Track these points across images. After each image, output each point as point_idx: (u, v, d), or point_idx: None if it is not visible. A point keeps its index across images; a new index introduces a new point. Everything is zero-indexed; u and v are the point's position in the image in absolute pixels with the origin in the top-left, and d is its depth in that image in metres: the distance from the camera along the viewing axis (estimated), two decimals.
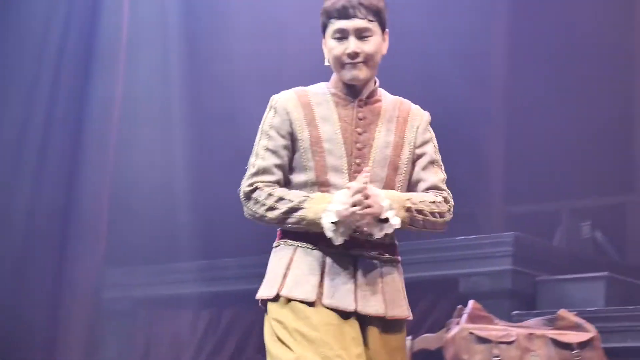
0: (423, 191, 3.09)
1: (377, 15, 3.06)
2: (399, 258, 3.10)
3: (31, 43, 6.50)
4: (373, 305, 3.00)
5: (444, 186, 3.12)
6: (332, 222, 2.92)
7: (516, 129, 7.55)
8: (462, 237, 5.78)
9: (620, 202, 7.32)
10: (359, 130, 3.05)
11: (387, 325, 3.05)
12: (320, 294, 2.96)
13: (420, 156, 3.11)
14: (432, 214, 3.03)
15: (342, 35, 3.04)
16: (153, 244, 6.95)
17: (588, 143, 7.20)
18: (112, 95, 6.57)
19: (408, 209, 2.98)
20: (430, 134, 3.16)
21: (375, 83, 3.13)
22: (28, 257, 6.35)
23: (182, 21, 7.14)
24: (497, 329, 4.57)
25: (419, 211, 3.01)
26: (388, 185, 3.04)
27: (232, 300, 6.58)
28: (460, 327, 4.53)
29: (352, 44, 3.03)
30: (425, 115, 3.17)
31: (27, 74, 6.48)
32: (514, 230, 5.89)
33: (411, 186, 3.11)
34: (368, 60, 3.05)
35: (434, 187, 3.10)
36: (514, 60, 7.64)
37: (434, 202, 3.05)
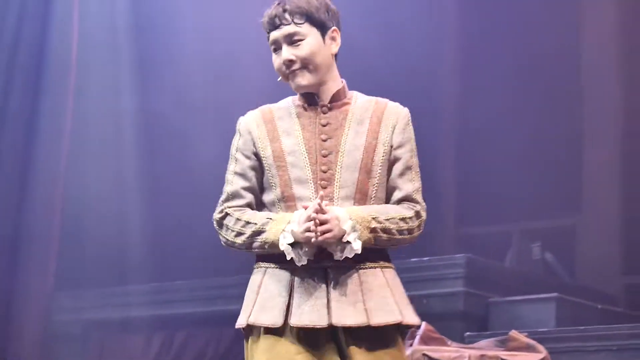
0: (396, 202, 2.97)
1: (307, 16, 2.99)
2: (388, 263, 2.95)
3: None
4: (351, 316, 2.86)
5: (419, 197, 2.99)
6: (290, 244, 2.84)
7: (467, 150, 7.60)
8: (415, 259, 5.80)
9: (569, 223, 7.39)
10: (323, 137, 2.98)
11: (377, 337, 2.89)
12: (287, 315, 2.85)
13: (397, 160, 3.00)
14: (400, 231, 2.92)
15: (276, 46, 3.01)
16: (104, 266, 6.91)
17: (537, 164, 7.26)
18: (63, 114, 6.52)
19: (373, 230, 2.87)
20: (409, 133, 3.04)
21: (342, 85, 3.05)
22: None
23: (131, 35, 7.10)
24: (449, 351, 4.58)
25: (385, 230, 2.89)
26: (361, 190, 2.94)
27: (184, 322, 6.55)
28: (413, 348, 4.54)
29: (284, 52, 2.98)
30: (403, 113, 3.06)
31: None
32: (465, 252, 5.93)
33: (388, 191, 2.99)
34: (306, 64, 2.98)
35: (407, 199, 2.97)
36: (465, 80, 7.69)
37: (403, 219, 2.94)
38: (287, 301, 2.87)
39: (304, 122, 3.00)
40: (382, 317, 2.87)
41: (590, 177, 7.31)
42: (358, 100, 3.05)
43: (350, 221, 2.86)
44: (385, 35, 7.13)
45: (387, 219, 2.91)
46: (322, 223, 2.82)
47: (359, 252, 2.85)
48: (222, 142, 6.63)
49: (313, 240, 2.81)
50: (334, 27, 3.02)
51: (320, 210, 2.82)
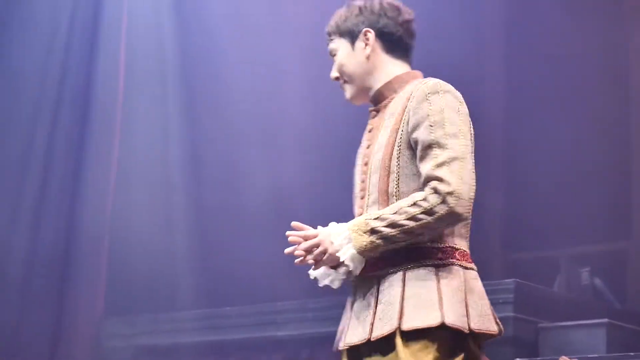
0: (421, 188, 2.81)
1: (336, 28, 3.05)
2: (415, 263, 2.82)
3: (29, 89, 6.53)
4: (356, 334, 2.83)
5: (441, 171, 2.77)
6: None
7: (514, 175, 7.57)
8: None
9: (619, 248, 7.33)
10: (367, 144, 2.99)
11: (380, 350, 2.80)
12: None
13: (416, 144, 2.84)
14: (413, 218, 2.76)
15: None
16: (153, 292, 6.94)
17: (586, 188, 7.22)
18: (110, 143, 6.58)
19: (373, 231, 2.78)
20: (425, 108, 2.85)
21: (384, 82, 3.00)
22: (26, 308, 6.35)
23: (180, 70, 7.14)
24: None
25: (392, 224, 2.77)
26: (381, 190, 2.87)
27: (234, 348, 6.55)
28: None
29: (332, 71, 3.09)
30: (421, 88, 2.89)
31: (25, 119, 6.50)
32: (514, 277, 5.90)
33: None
34: (344, 77, 3.04)
35: (427, 180, 2.79)
36: (511, 103, 7.67)
37: (414, 204, 2.77)
38: (344, 323, 2.94)
39: (364, 135, 3.04)
40: (379, 328, 2.79)
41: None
42: (403, 90, 2.99)
43: (347, 231, 2.81)
44: (429, 59, 7.11)
45: (394, 213, 2.79)
46: (310, 245, 2.81)
47: (348, 261, 2.80)
48: (270, 170, 6.68)
49: (297, 262, 2.84)
50: (364, 29, 3.02)
51: (303, 236, 2.83)
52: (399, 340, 2.76)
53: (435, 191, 2.76)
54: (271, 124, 6.91)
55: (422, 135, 2.82)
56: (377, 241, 2.78)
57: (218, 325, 6.66)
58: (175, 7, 7.14)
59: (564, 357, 4.72)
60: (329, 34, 3.06)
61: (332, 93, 6.34)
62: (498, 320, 2.88)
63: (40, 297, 6.39)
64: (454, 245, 2.85)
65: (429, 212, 2.76)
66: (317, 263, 2.84)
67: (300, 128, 6.62)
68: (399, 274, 2.81)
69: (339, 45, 3.05)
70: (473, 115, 2.96)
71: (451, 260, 2.82)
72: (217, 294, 6.90)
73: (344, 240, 2.80)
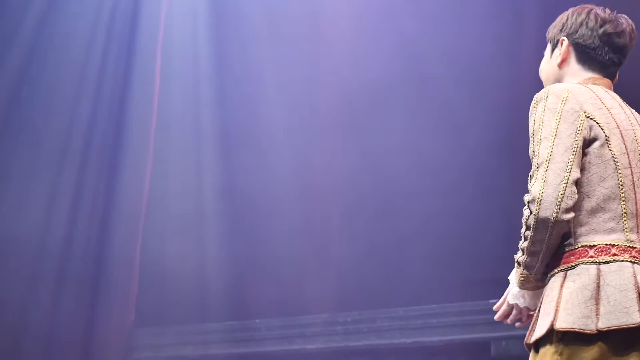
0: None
1: (548, 34, 3.14)
2: (552, 271, 2.83)
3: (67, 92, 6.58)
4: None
5: (531, 183, 2.81)
6: None
7: None
8: (493, 300, 5.75)
9: None
10: None
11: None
12: None
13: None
14: (524, 237, 2.82)
15: None
16: (183, 304, 6.95)
17: None
18: (144, 163, 6.61)
19: (518, 263, 2.88)
20: (531, 120, 2.88)
21: None
22: (57, 319, 6.37)
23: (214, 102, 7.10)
24: None
25: (522, 250, 2.85)
26: None
27: None
28: None
29: None
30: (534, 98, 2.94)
31: (61, 121, 6.54)
32: None
33: None
34: (542, 79, 3.14)
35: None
36: None
37: (523, 222, 2.83)
38: None
39: None
40: (531, 334, 2.85)
41: None
42: None
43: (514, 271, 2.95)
44: (462, 72, 7.10)
45: (521, 237, 2.87)
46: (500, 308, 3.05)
47: (514, 300, 2.95)
48: (302, 193, 6.62)
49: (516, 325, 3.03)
50: (561, 38, 3.07)
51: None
52: (531, 353, 2.83)
53: (525, 204, 2.82)
54: (305, 157, 6.82)
55: (529, 150, 2.88)
56: (524, 272, 2.86)
57: (247, 337, 6.66)
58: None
59: None
60: (546, 38, 3.15)
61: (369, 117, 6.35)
62: None
63: (71, 306, 6.42)
64: (588, 243, 2.80)
65: (527, 227, 2.81)
66: (506, 314, 3.01)
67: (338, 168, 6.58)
68: (544, 288, 2.86)
69: (546, 51, 3.14)
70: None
71: (582, 259, 2.79)
72: (246, 306, 6.90)
73: (512, 282, 2.93)
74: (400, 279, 6.04)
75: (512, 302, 2.96)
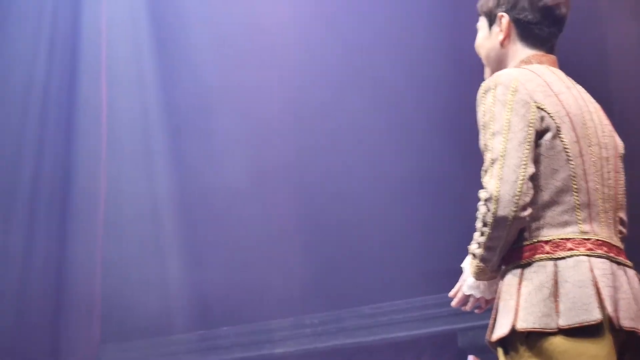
0: None
1: (480, 7, 3.02)
2: (508, 265, 2.79)
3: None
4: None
5: (483, 179, 2.76)
6: None
7: None
8: None
9: None
10: None
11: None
12: None
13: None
14: (480, 232, 2.77)
15: None
16: (148, 316, 6.91)
17: None
18: (97, 167, 6.58)
19: (473, 255, 2.83)
20: (479, 112, 2.82)
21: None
22: (21, 336, 6.34)
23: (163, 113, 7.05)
24: None
25: (477, 244, 2.81)
26: None
27: None
28: None
29: None
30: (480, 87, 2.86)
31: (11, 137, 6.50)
32: None
33: None
34: (480, 56, 3.04)
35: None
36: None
37: (478, 217, 2.78)
38: None
39: None
40: (488, 336, 2.82)
41: None
42: None
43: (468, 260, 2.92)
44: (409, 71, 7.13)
45: (476, 231, 2.81)
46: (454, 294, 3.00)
47: (470, 291, 2.92)
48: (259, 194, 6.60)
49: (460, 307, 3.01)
50: (500, 13, 2.96)
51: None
52: (499, 351, 2.79)
53: (481, 201, 2.75)
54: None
55: (480, 142, 2.81)
56: (480, 264, 2.80)
57: (215, 346, 6.65)
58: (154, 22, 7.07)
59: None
60: (478, 11, 3.03)
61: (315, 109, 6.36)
62: (607, 304, 2.72)
63: (35, 323, 6.38)
64: (543, 238, 2.77)
65: (484, 223, 2.75)
66: (462, 302, 2.96)
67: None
68: (500, 283, 2.82)
69: (481, 25, 3.02)
70: None
71: (538, 255, 2.76)
72: (212, 314, 6.88)
73: (466, 271, 2.90)
74: (363, 277, 6.06)
75: (467, 292, 2.92)
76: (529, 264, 2.76)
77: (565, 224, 2.77)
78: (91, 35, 6.65)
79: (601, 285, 2.72)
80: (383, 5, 6.23)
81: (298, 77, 6.48)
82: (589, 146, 2.85)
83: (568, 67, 3.05)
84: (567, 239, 2.76)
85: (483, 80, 2.94)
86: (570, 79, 2.98)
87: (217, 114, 6.75)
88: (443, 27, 5.92)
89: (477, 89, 2.86)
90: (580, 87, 2.99)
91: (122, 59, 6.92)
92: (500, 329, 2.74)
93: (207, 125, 6.80)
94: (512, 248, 2.78)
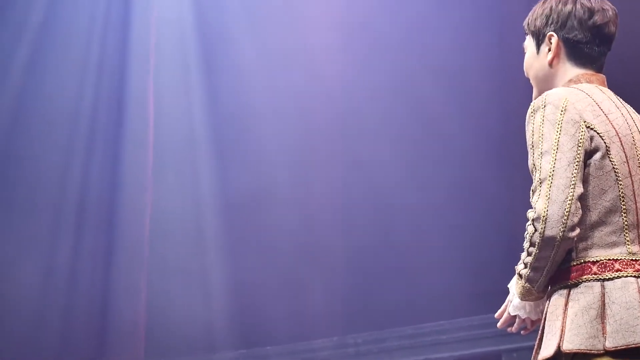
0: None
1: (528, 26, 2.99)
2: (553, 286, 2.78)
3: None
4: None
5: (532, 199, 2.74)
6: None
7: None
8: None
9: None
10: None
11: None
12: None
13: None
14: (528, 252, 2.75)
15: None
16: (191, 334, 6.93)
17: None
18: (144, 182, 6.62)
19: (519, 275, 2.80)
20: (529, 132, 2.80)
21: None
22: (66, 355, 6.38)
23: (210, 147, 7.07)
24: None
25: (524, 264, 2.77)
26: None
27: None
28: None
29: None
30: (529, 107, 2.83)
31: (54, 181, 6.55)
32: None
33: None
34: (529, 76, 3.02)
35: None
36: None
37: (524, 238, 2.77)
38: None
39: None
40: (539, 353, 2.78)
41: None
42: None
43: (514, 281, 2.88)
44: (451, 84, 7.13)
45: (523, 251, 2.78)
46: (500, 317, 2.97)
47: (516, 312, 2.89)
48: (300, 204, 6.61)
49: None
50: (549, 33, 2.94)
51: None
52: None
53: (529, 221, 2.73)
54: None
55: (529, 151, 2.80)
56: (526, 285, 2.78)
57: None
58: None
59: None
60: (524, 30, 3.01)
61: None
62: None
63: (79, 342, 6.42)
64: (591, 259, 2.75)
65: (532, 244, 2.73)
66: (508, 323, 2.94)
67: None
68: (547, 303, 2.80)
69: (528, 44, 2.99)
70: None
71: (585, 276, 2.74)
72: (255, 333, 6.88)
73: (512, 292, 2.88)
74: (407, 297, 6.04)
75: (513, 313, 2.90)
76: (576, 285, 2.74)
77: (613, 244, 2.75)
78: (139, 51, 6.72)
79: None
80: (429, 25, 6.25)
81: (343, 93, 6.49)
82: (639, 166, 2.83)
83: (612, 80, 3.04)
84: (615, 260, 2.73)
85: (529, 96, 2.95)
86: (619, 98, 2.95)
87: (262, 132, 6.77)
88: (488, 45, 5.92)
89: (525, 107, 2.87)
90: (630, 106, 2.97)
91: (169, 73, 6.96)
92: (546, 350, 2.72)
93: (253, 141, 6.83)
94: (559, 268, 2.76)
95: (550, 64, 2.93)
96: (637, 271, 2.74)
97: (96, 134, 6.62)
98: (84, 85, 6.66)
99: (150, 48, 6.73)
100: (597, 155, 2.77)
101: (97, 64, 6.67)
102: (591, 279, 2.73)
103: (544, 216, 2.66)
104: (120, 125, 6.66)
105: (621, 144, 2.80)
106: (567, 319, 2.70)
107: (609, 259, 2.74)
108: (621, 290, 2.71)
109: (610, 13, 2.94)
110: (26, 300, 6.39)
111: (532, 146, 2.77)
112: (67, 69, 6.67)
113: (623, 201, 2.77)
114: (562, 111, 2.75)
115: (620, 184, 2.78)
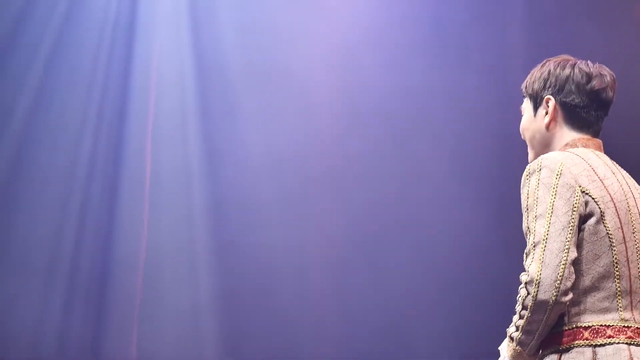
0: None
1: (526, 88, 3.01)
2: (545, 351, 2.78)
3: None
4: None
5: (526, 262, 2.75)
6: None
7: None
8: None
9: None
10: None
11: None
12: None
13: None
14: (520, 315, 2.75)
15: None
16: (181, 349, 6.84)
17: None
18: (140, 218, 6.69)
19: (511, 338, 2.80)
20: (524, 194, 2.80)
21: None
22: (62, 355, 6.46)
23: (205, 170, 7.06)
24: None
25: (516, 327, 2.77)
26: None
27: None
28: None
29: None
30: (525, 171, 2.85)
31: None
32: None
33: None
34: (525, 138, 3.04)
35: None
36: None
37: (519, 301, 2.76)
38: None
39: None
40: None
41: None
42: None
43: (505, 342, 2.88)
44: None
45: (515, 314, 2.79)
46: None
47: None
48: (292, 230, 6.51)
49: None
50: (547, 96, 2.95)
51: None
52: None
53: (522, 284, 2.73)
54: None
55: (524, 214, 2.81)
56: (517, 348, 2.78)
57: None
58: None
59: None
60: (522, 92, 3.03)
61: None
62: None
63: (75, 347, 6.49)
64: (583, 324, 2.76)
65: (524, 307, 2.73)
66: None
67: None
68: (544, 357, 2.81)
69: (526, 106, 3.01)
70: None
71: (577, 341, 2.75)
72: (244, 349, 6.75)
73: (503, 354, 2.89)
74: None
75: None
76: (567, 350, 2.75)
77: (606, 310, 2.76)
78: (140, 95, 6.63)
79: None
80: (446, 44, 6.28)
81: (340, 141, 6.45)
82: (633, 232, 2.84)
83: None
84: (607, 326, 2.74)
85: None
86: (615, 163, 2.98)
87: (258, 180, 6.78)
88: (493, 71, 6.01)
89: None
90: (625, 172, 2.99)
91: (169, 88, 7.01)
92: None
93: (248, 191, 6.74)
94: (551, 332, 2.77)
95: (547, 127, 2.95)
96: (629, 338, 2.75)
97: (98, 148, 6.64)
98: (89, 108, 6.68)
99: (150, 98, 6.80)
100: (592, 220, 2.78)
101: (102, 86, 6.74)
102: (583, 345, 2.74)
103: (537, 280, 2.67)
104: (118, 168, 6.70)
105: (616, 210, 2.81)
106: None
107: (601, 325, 2.75)
108: (613, 356, 2.72)
109: (608, 79, 2.96)
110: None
111: (527, 209, 2.78)
112: (74, 88, 6.71)
113: (617, 267, 2.79)
114: (557, 175, 2.76)
115: (614, 250, 2.79)
